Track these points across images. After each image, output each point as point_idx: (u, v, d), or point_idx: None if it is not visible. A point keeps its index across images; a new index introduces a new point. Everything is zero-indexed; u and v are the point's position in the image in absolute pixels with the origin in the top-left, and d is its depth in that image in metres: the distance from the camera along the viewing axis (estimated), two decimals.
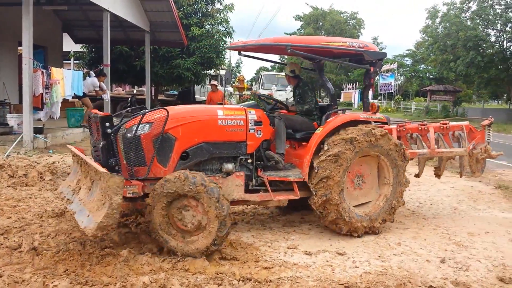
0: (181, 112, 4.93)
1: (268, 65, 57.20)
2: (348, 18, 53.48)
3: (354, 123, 5.26)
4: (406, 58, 51.13)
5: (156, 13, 15.63)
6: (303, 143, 5.44)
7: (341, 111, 5.54)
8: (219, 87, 18.85)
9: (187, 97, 22.13)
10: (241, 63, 47.06)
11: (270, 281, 3.78)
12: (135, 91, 20.45)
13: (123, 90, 24.05)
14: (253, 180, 5.09)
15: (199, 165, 4.85)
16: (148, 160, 4.49)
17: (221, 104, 14.61)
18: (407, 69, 49.64)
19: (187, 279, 3.71)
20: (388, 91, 44.74)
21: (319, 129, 5.21)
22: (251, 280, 3.77)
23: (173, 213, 4.27)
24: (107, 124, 4.30)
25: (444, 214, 6.37)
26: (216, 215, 4.15)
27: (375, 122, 5.53)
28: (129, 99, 18.28)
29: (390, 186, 5.34)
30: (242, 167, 5.06)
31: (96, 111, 5.11)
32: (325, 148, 4.98)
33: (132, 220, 5.28)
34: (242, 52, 6.13)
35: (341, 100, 44.75)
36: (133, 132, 4.44)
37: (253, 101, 6.19)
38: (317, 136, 5.11)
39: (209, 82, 17.54)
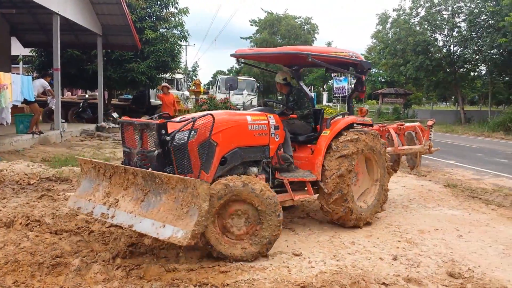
0: (219, 118, 4.81)
1: (225, 69, 57.05)
2: (303, 23, 54.25)
3: (351, 125, 5.89)
4: None
5: (108, 17, 15.28)
6: (303, 146, 5.85)
7: (341, 115, 6.14)
8: (172, 90, 18.68)
9: (141, 102, 21.73)
10: (198, 66, 46.62)
11: (227, 285, 3.76)
12: (87, 96, 19.88)
13: (74, 95, 23.36)
14: (270, 182, 5.27)
15: (231, 170, 4.85)
16: (195, 166, 4.42)
17: (174, 108, 14.43)
18: None
19: (141, 287, 3.64)
20: (342, 94, 45.74)
21: (326, 132, 5.60)
22: (207, 284, 3.74)
23: (226, 217, 4.33)
24: (163, 131, 4.24)
25: (396, 213, 6.56)
26: (272, 220, 4.34)
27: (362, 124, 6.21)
28: (81, 103, 17.78)
29: (378, 181, 5.96)
30: (262, 171, 5.24)
31: (126, 117, 5.07)
32: (334, 148, 5.43)
33: (84, 228, 5.12)
34: (242, 60, 6.46)
35: None
36: (185, 139, 4.36)
37: (262, 106, 6.34)
38: (326, 138, 5.52)
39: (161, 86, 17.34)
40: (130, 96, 23.90)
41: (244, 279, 3.94)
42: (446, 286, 3.94)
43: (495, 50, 27.19)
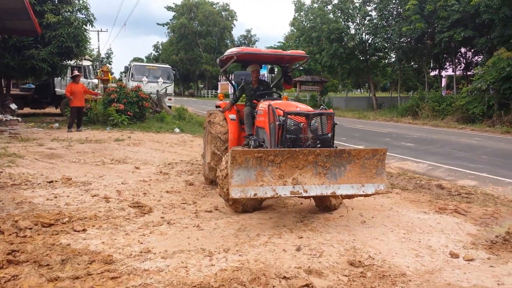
0: None
1: (143, 56, 55.36)
2: (221, 10, 53.87)
3: None
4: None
5: None
6: None
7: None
8: (82, 78, 17.51)
9: (46, 91, 20.20)
10: (112, 53, 44.59)
11: None
12: None
13: None
14: None
15: None
16: None
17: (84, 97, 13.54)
18: None
19: None
20: None
21: None
22: None
23: None
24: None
25: (303, 200, 6.48)
26: None
27: None
28: None
29: None
30: None
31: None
32: None
33: None
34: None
35: (218, 91, 45.08)
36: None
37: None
38: None
39: (71, 74, 16.13)
40: (33, 86, 22.13)
41: (135, 284, 3.61)
42: (346, 275, 3.86)
43: (404, 39, 28.66)
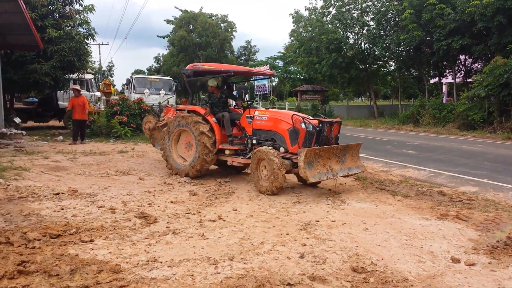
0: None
1: (144, 68, 55.73)
2: (219, 21, 54.24)
3: None
4: (278, 61, 53.47)
5: (4, 15, 13.95)
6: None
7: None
8: (83, 92, 17.66)
9: (49, 104, 20.40)
10: (113, 66, 44.91)
11: None
12: None
13: None
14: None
15: None
16: None
17: (86, 109, 13.82)
18: (279, 71, 51.91)
19: None
20: (263, 92, 46.28)
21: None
22: None
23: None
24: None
25: (307, 209, 6.58)
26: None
27: None
28: None
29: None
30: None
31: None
32: None
33: None
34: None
35: None
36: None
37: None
38: None
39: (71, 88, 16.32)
40: (36, 99, 22.33)
41: None
42: (350, 281, 3.93)
43: (402, 47, 28.86)
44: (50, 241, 4.88)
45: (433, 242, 5.11)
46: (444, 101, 28.22)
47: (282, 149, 8.01)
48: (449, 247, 4.96)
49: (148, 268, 4.21)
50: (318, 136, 7.64)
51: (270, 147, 7.81)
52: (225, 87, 9.78)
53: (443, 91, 32.00)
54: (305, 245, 4.87)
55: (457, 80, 28.50)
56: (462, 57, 27.73)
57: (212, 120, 8.99)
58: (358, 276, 4.05)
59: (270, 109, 9.27)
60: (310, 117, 8.11)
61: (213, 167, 9.72)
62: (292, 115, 7.98)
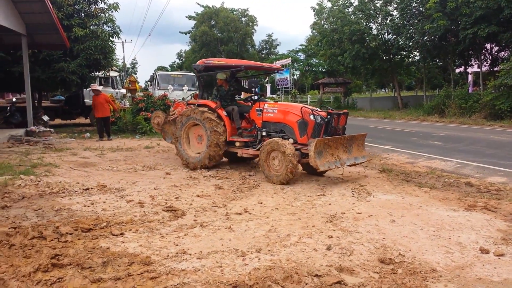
0: None
1: (166, 64, 56.09)
2: (240, 16, 54.22)
3: None
4: (300, 53, 53.19)
5: (32, 15, 14.37)
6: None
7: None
8: (107, 88, 17.92)
9: (75, 102, 20.84)
10: (136, 63, 45.51)
11: None
12: (14, 99, 18.74)
13: (3, 98, 22.02)
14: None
15: None
16: None
17: (109, 106, 14.10)
18: (301, 63, 51.64)
19: None
20: (285, 86, 46.16)
21: None
22: None
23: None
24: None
25: (332, 201, 6.58)
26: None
27: None
28: (8, 107, 16.75)
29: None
30: None
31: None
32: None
33: (4, 242, 4.73)
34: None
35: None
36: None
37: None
38: None
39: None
40: (62, 97, 22.84)
41: (174, 283, 3.76)
42: (377, 272, 3.94)
43: (427, 37, 28.33)
44: (82, 234, 5.03)
45: (461, 233, 5.07)
46: (470, 91, 27.61)
47: (291, 140, 8.24)
48: (477, 237, 4.90)
49: (177, 260, 4.30)
50: (327, 127, 7.97)
51: (280, 138, 8.06)
52: (233, 81, 10.00)
53: (469, 81, 31.30)
54: (331, 237, 4.89)
55: (484, 69, 27.83)
56: (488, 46, 27.05)
57: (223, 113, 9.32)
58: (386, 267, 4.06)
59: (278, 102, 9.62)
60: (318, 109, 8.39)
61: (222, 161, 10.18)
62: (301, 108, 8.33)
